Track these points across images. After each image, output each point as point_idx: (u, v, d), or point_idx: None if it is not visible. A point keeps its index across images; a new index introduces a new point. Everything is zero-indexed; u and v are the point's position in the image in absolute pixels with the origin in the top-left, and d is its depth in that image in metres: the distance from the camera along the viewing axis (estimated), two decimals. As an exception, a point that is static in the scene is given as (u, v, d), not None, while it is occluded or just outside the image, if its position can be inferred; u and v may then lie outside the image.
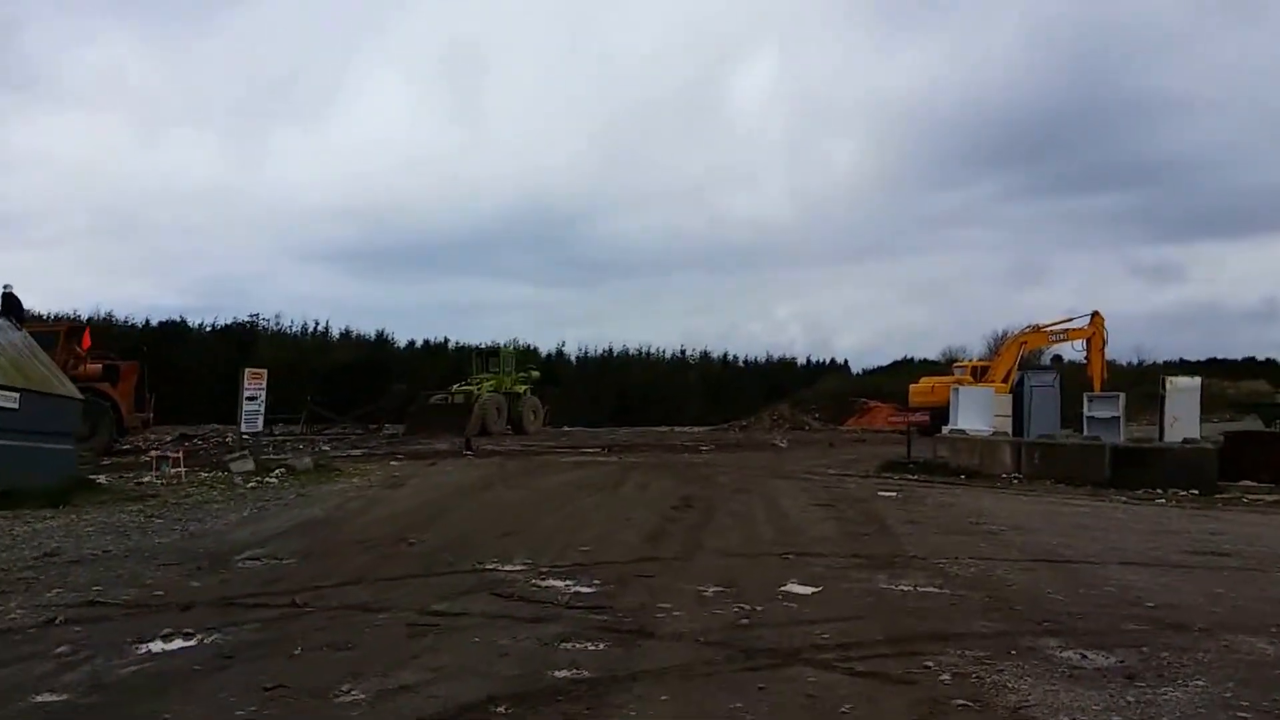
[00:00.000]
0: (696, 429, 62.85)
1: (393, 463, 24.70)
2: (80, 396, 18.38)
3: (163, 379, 66.18)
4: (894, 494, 17.84)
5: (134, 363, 30.84)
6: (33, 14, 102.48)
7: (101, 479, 19.27)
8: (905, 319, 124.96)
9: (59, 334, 30.03)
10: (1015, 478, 21.36)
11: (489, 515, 14.45)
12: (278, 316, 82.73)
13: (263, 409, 22.73)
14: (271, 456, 24.10)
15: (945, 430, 25.18)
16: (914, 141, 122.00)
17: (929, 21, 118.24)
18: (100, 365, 29.82)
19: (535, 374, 48.31)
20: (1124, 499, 18.09)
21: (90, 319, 76.98)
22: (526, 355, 76.08)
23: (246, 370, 22.71)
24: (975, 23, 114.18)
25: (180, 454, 20.73)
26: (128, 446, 29.69)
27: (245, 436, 23.68)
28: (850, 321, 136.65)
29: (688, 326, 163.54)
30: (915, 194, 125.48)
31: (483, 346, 52.07)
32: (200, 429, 47.28)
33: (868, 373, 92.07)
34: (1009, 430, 24.30)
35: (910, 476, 22.06)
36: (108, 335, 72.98)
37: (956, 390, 25.84)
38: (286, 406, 46.83)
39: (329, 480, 20.03)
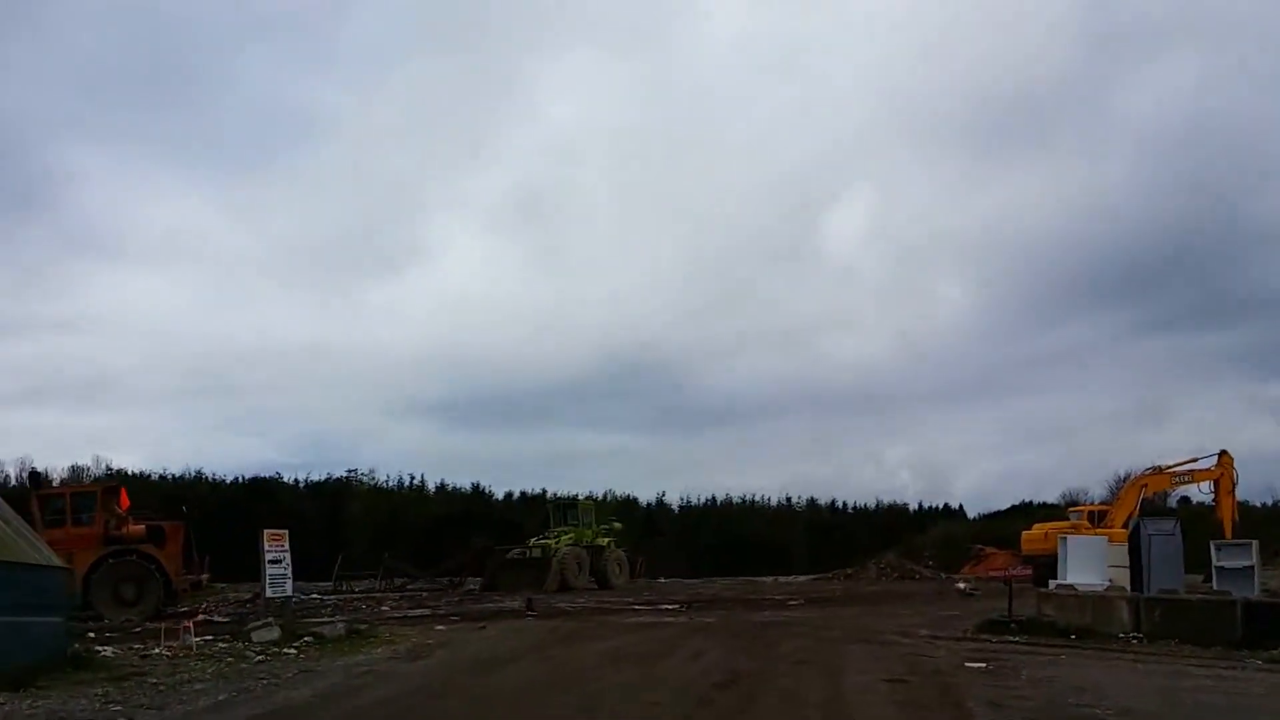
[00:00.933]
0: (800, 578, 59.98)
1: (439, 627, 22.63)
2: (64, 565, 16.59)
3: (251, 536, 66.45)
4: (984, 664, 15.12)
5: (178, 523, 29.37)
6: (86, 172, 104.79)
7: (108, 651, 17.52)
8: (1023, 462, 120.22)
9: (96, 494, 28.91)
10: (1134, 638, 18.42)
11: (488, 702, 12.22)
12: (372, 471, 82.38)
13: (289, 571, 20.87)
14: (310, 620, 22.18)
15: (1052, 585, 22.31)
16: (1021, 276, 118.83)
17: (1029, 150, 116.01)
18: (143, 526, 28.46)
19: (618, 526, 45.76)
20: (1260, 663, 15.15)
21: (180, 476, 77.70)
22: (605, 506, 74.35)
23: (265, 531, 20.95)
24: (1081, 149, 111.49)
25: (191, 622, 18.89)
26: (183, 609, 28.02)
27: (273, 601, 21.80)
28: (965, 465, 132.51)
29: (794, 473, 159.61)
30: (1026, 331, 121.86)
31: (561, 498, 49.85)
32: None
33: (984, 518, 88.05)
34: (1127, 584, 21.29)
35: (1011, 639, 19.24)
36: (192, 493, 73.42)
37: (1064, 540, 22.96)
38: (359, 564, 45.45)
39: (355, 650, 18.01)
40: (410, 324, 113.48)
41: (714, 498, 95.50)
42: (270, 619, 19.83)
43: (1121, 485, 36.73)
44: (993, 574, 21.85)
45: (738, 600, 32.63)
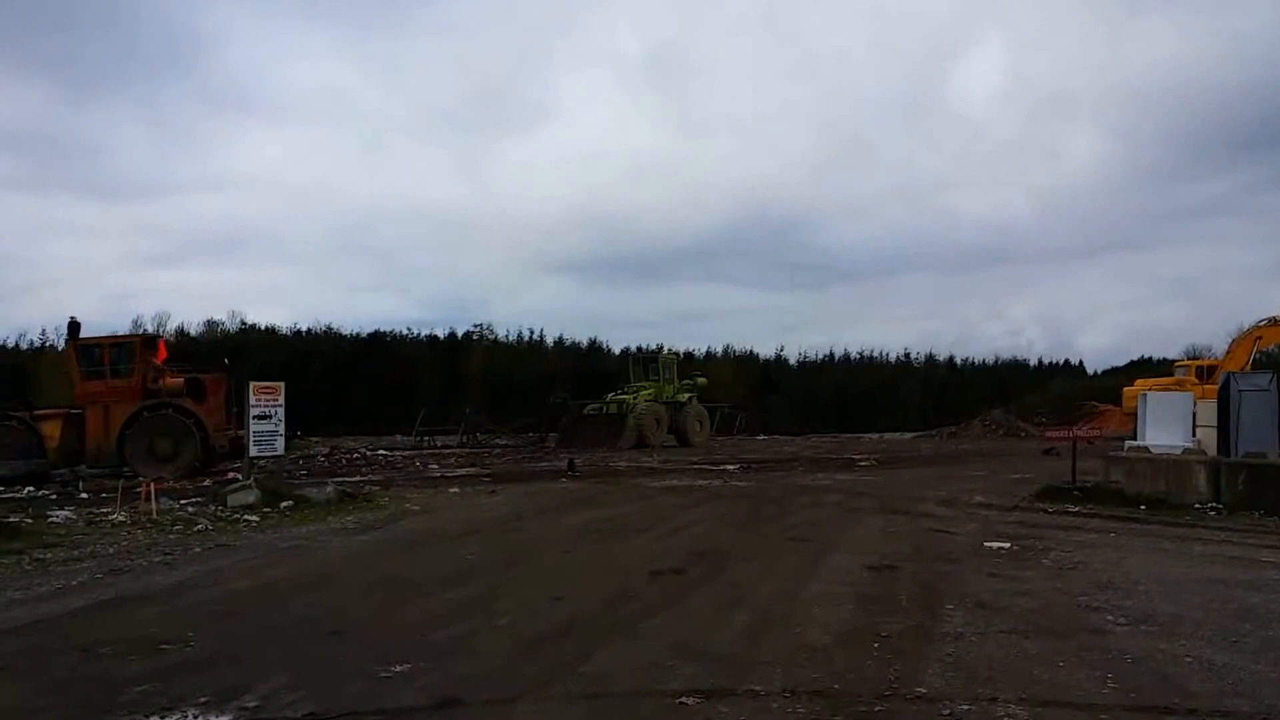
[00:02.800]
0: (905, 435, 57.14)
1: (452, 490, 20.55)
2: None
3: (368, 389, 66.02)
4: (1008, 544, 12.28)
5: (219, 375, 27.60)
6: (230, 30, 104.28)
7: (57, 517, 15.81)
8: (1152, 317, 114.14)
9: (134, 345, 27.30)
10: (1211, 509, 15.37)
11: (371, 591, 9.92)
12: (489, 325, 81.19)
13: (280, 427, 18.81)
14: (309, 482, 20.32)
15: (1126, 446, 19.13)
16: (1156, 129, 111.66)
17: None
18: (181, 379, 26.84)
19: (701, 381, 42.98)
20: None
21: (309, 330, 77.55)
22: (722, 361, 71.62)
23: (252, 384, 18.82)
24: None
25: (152, 484, 17.06)
26: (216, 469, 26.51)
27: (259, 462, 19.91)
28: (1092, 321, 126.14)
29: (919, 330, 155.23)
30: (1160, 185, 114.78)
31: (642, 352, 47.21)
32: (366, 441, 44.88)
33: (1104, 374, 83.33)
34: (1215, 446, 17.93)
35: (1070, 509, 16.31)
36: (316, 348, 73.19)
37: (1144, 396, 19.61)
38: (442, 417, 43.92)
39: (325, 516, 16.03)
40: (542, 181, 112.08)
41: (832, 354, 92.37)
42: (250, 482, 17.92)
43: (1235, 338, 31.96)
44: (1052, 437, 18.64)
45: (809, 460, 29.96)
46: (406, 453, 36.12)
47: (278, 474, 21.85)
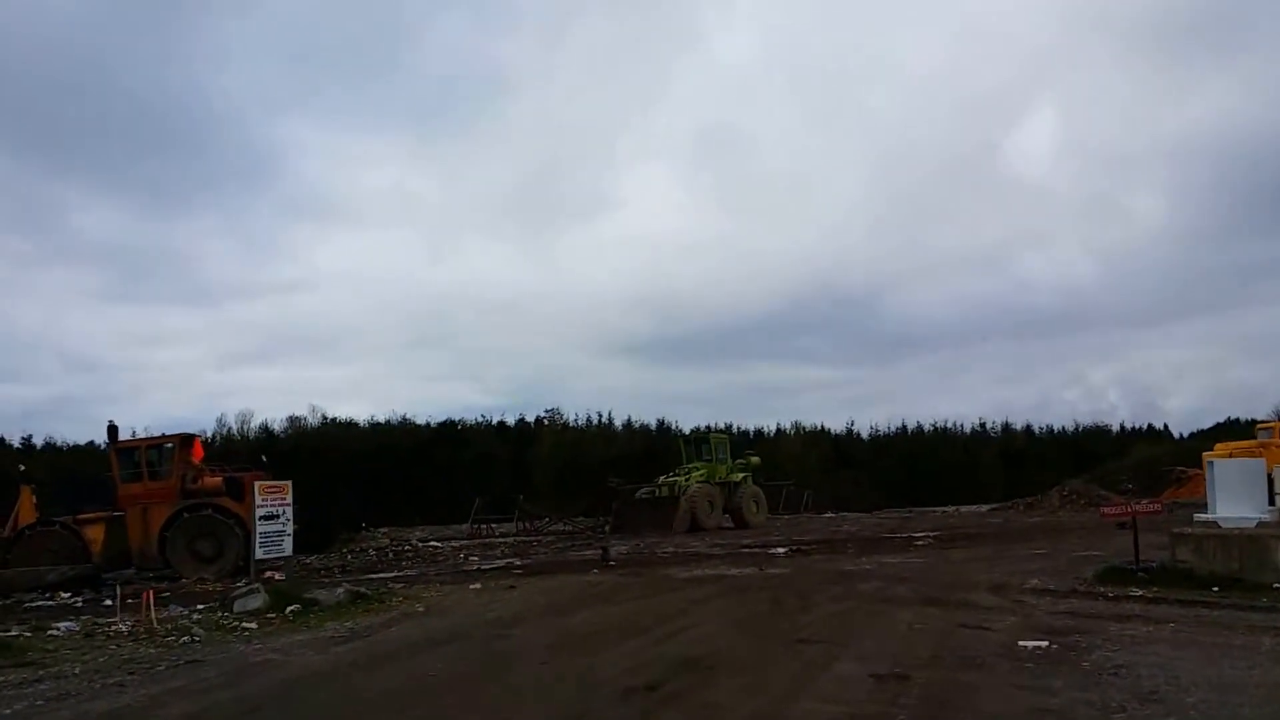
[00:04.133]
0: (979, 508, 54.81)
1: (474, 586, 19.33)
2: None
3: (439, 478, 65.43)
4: (1046, 643, 10.70)
5: (257, 473, 26.79)
6: (306, 143, 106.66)
7: (23, 634, 14.85)
8: (1237, 377, 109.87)
9: (172, 446, 26.67)
10: (1298, 591, 13.62)
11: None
12: (557, 410, 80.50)
13: (289, 527, 17.79)
14: (326, 582, 19.26)
15: (1196, 521, 17.34)
16: (1223, 183, 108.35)
17: (1221, 51, 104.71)
18: (220, 478, 26.09)
19: (754, 460, 41.35)
20: None
21: (385, 421, 77.39)
22: (789, 439, 69.78)
23: (257, 484, 17.87)
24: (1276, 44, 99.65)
25: (151, 593, 16.07)
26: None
27: (277, 565, 18.87)
28: (1175, 383, 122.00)
29: (994, 399, 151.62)
30: (1233, 240, 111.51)
31: (692, 432, 45.79)
32: (433, 531, 44.00)
33: (1190, 437, 79.83)
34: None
35: (1134, 592, 14.62)
36: (388, 438, 72.86)
37: (1211, 464, 17.81)
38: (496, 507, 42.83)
39: (325, 622, 14.88)
40: (608, 267, 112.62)
41: (904, 426, 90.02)
42: (257, 586, 16.89)
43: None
44: (1107, 514, 16.83)
45: (864, 540, 28.27)
46: (460, 543, 35.05)
47: (309, 571, 20.84)
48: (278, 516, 17.60)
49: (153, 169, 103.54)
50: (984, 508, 55.12)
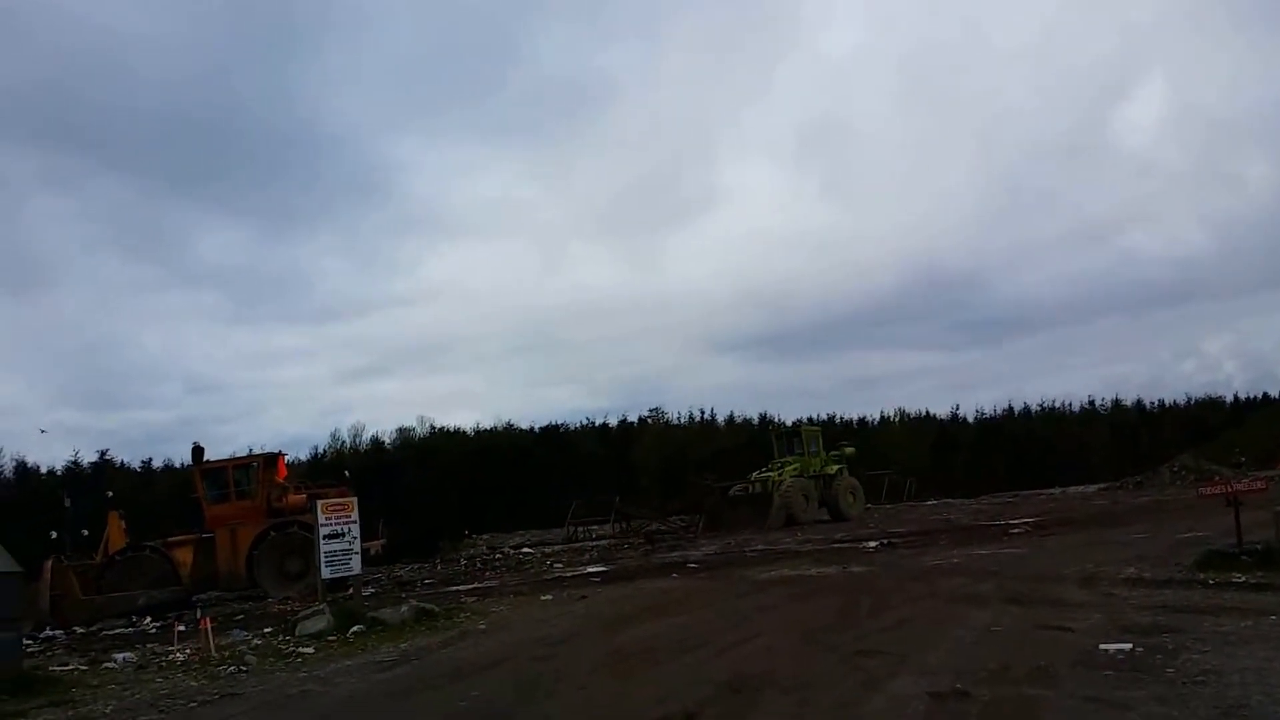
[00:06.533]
0: (1089, 488, 52.54)
1: (545, 597, 18.58)
2: (14, 568, 13.42)
3: (542, 482, 65.14)
4: (1129, 645, 9.48)
5: (342, 489, 26.44)
6: (415, 158, 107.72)
7: (79, 667, 14.49)
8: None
9: (256, 465, 26.47)
10: None
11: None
12: (660, 409, 79.74)
13: (355, 545, 17.18)
14: (410, 600, 18.62)
15: (1307, 497, 15.79)
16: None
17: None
18: (304, 496, 25.75)
19: (849, 451, 39.88)
20: None
21: (491, 428, 77.46)
22: (892, 427, 67.82)
23: (320, 503, 17.33)
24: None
25: (208, 620, 15.59)
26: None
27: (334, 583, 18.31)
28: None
29: (1104, 377, 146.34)
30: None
31: (783, 426, 44.49)
32: (535, 535, 43.62)
33: (1312, 404, 75.68)
34: None
35: (1237, 578, 13.23)
36: (493, 444, 72.81)
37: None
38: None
39: (383, 644, 14.23)
40: (709, 265, 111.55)
41: (1010, 408, 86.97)
42: (322, 607, 16.35)
43: None
44: (1207, 493, 15.04)
45: (960, 530, 26.89)
46: (554, 548, 34.42)
47: (396, 584, 20.32)
48: (343, 535, 17.01)
49: (269, 192, 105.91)
50: (1092, 488, 52.84)
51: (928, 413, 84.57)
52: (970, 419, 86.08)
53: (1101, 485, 52.81)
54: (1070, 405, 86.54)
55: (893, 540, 24.74)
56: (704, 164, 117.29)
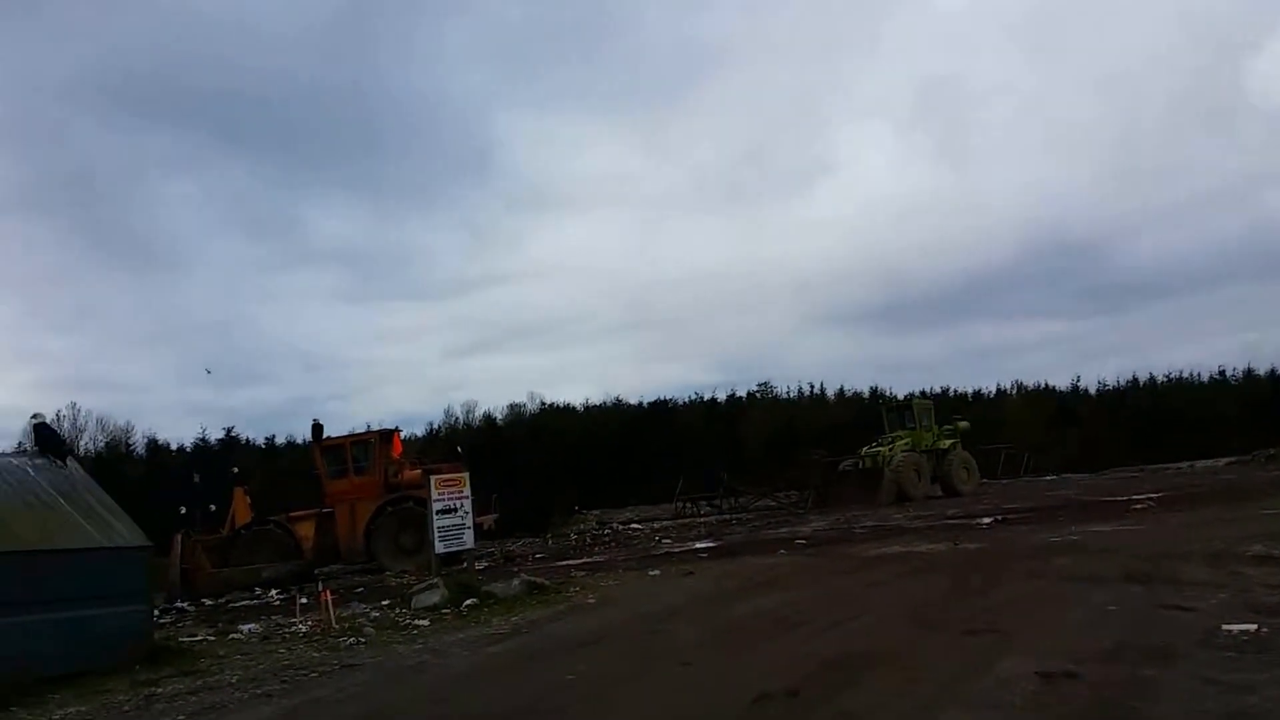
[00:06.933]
0: (1221, 462, 50.72)
1: (653, 572, 18.70)
2: (144, 543, 13.97)
3: (650, 458, 65.53)
4: (1253, 626, 9.13)
5: (455, 465, 26.92)
6: (521, 132, 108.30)
7: (206, 638, 15.05)
8: None
9: (373, 442, 27.14)
10: None
11: None
12: (768, 384, 79.41)
13: (468, 519, 17.52)
14: (521, 575, 18.92)
15: None
16: None
17: None
18: (419, 471, 26.27)
19: (963, 424, 39.04)
20: None
21: (600, 404, 78.13)
22: (1008, 399, 66.28)
23: (433, 478, 17.68)
24: None
25: (328, 592, 16.05)
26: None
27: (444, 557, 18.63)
28: None
29: (1237, 344, 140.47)
30: None
31: (893, 400, 43.75)
32: (641, 511, 43.88)
33: None
34: None
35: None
36: (599, 420, 73.42)
37: None
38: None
39: (493, 619, 14.51)
40: (820, 235, 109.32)
41: (1135, 379, 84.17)
42: (436, 581, 16.73)
43: None
44: None
45: (1079, 505, 26.25)
46: (662, 524, 34.59)
47: (509, 558, 20.68)
48: (456, 510, 17.39)
49: (383, 170, 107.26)
50: (1221, 462, 51.01)
51: (1047, 384, 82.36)
52: (1092, 390, 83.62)
53: (1231, 459, 50.93)
54: (1199, 375, 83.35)
55: (1007, 516, 24.26)
56: (812, 130, 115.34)
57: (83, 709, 10.31)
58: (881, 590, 13.79)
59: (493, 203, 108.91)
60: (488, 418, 76.58)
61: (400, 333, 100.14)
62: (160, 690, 10.99)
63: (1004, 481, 45.18)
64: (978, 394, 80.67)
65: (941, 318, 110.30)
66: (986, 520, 23.67)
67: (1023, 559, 15.66)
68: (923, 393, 57.97)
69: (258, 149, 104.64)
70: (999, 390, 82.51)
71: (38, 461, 13.95)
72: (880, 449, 35.85)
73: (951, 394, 73.94)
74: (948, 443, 36.88)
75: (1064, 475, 50.20)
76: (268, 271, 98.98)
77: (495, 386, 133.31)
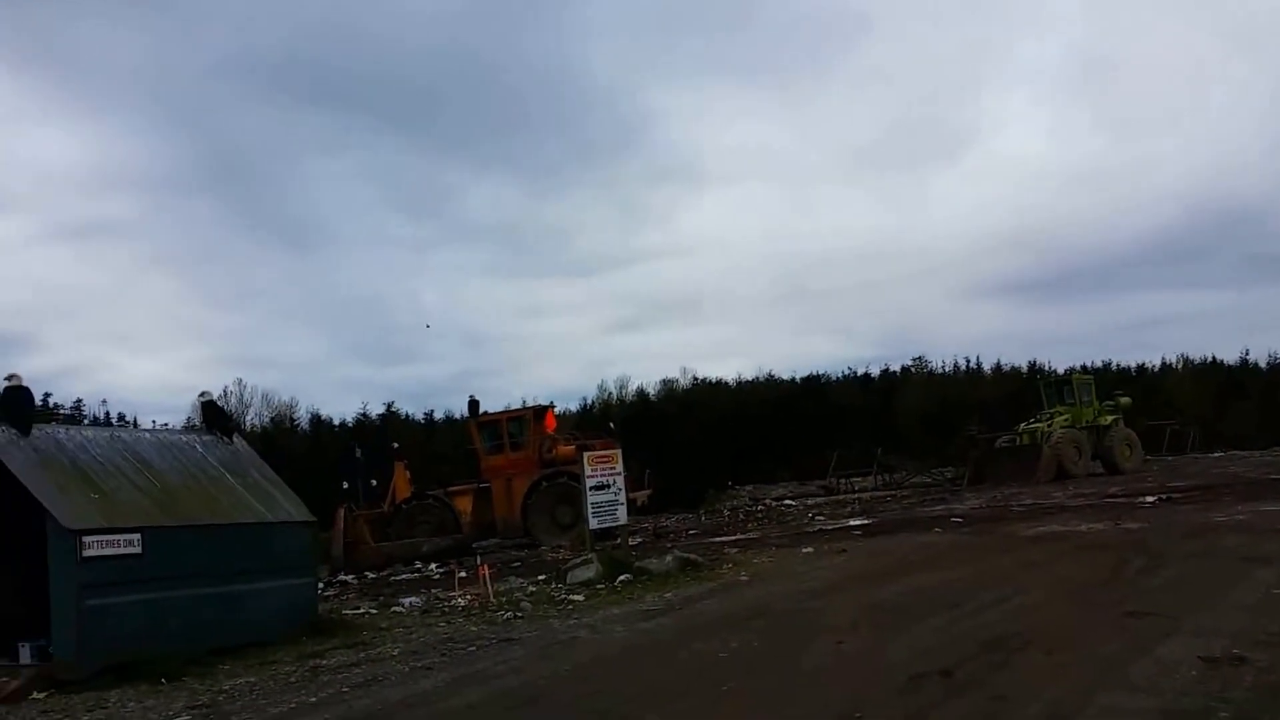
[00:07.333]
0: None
1: (805, 549, 18.73)
2: (309, 518, 14.63)
3: (803, 433, 65.22)
4: None
5: (608, 440, 27.29)
6: (670, 107, 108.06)
7: (370, 611, 15.69)
8: None
9: (528, 418, 27.77)
10: None
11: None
12: (923, 359, 78.09)
13: (621, 496, 17.80)
14: (674, 551, 19.17)
15: None
16: None
17: None
18: (573, 446, 26.76)
19: (1124, 400, 37.71)
20: None
21: (752, 380, 78.02)
22: (1171, 372, 63.50)
23: (586, 454, 18.01)
24: None
25: (486, 568, 16.56)
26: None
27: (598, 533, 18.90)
28: None
29: None
30: None
31: (1052, 375, 42.46)
32: (793, 487, 43.83)
33: None
34: None
35: None
36: (752, 395, 73.25)
37: None
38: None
39: (647, 595, 14.78)
40: (973, 206, 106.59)
41: (1311, 350, 79.80)
42: (591, 556, 17.10)
43: None
44: None
45: (1249, 484, 25.19)
46: (815, 500, 34.51)
47: (662, 533, 20.97)
48: (608, 486, 17.65)
49: (534, 146, 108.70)
50: None
51: (1214, 358, 78.70)
52: (1262, 364, 79.70)
53: None
54: (1378, 346, 78.61)
55: (1172, 495, 23.49)
56: (965, 97, 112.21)
57: (251, 680, 10.84)
58: (1039, 570, 13.57)
59: (640, 177, 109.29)
60: (640, 393, 77.13)
61: (554, 308, 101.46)
62: (325, 662, 11.54)
63: (1169, 459, 43.54)
64: (1141, 368, 77.65)
65: (1102, 290, 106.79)
66: (1150, 499, 22.96)
67: (1187, 539, 15.21)
68: (1083, 367, 56.02)
69: (408, 128, 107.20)
70: (1163, 364, 79.32)
71: (206, 438, 14.72)
72: (1039, 425, 35.06)
73: (1113, 368, 71.47)
74: (1109, 419, 35.78)
75: (1232, 452, 48.06)
76: (425, 248, 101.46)
77: (648, 362, 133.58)
